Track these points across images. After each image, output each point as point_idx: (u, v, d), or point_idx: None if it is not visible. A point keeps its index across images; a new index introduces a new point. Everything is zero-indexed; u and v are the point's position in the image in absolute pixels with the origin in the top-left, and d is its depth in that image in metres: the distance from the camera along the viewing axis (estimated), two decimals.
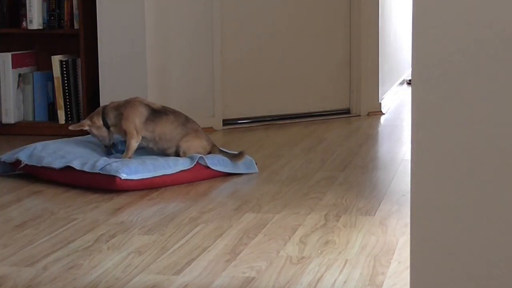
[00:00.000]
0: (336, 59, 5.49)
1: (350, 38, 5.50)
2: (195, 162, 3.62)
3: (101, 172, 3.46)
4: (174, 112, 3.81)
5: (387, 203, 3.25)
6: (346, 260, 2.55)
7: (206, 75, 5.03)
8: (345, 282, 2.37)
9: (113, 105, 3.79)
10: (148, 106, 3.78)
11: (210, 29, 5.00)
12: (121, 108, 3.76)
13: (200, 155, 3.65)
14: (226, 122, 5.12)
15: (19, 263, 2.55)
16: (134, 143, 3.72)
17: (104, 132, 3.78)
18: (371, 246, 2.69)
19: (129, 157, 3.68)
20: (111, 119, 3.76)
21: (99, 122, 3.77)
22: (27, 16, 4.81)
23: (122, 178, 3.41)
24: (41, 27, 4.83)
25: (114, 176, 3.42)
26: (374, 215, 3.08)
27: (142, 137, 3.73)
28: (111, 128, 3.77)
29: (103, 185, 3.46)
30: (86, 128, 3.78)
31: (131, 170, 3.45)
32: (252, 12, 5.20)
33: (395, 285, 2.34)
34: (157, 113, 3.76)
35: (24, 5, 4.82)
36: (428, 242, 1.69)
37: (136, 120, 3.73)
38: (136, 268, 2.50)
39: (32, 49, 5.05)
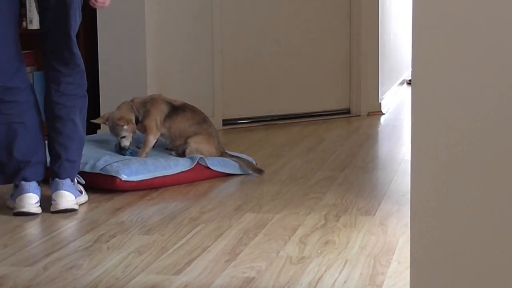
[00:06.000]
0: (336, 59, 5.49)
1: (350, 38, 5.50)
2: (195, 163, 3.62)
3: (101, 172, 3.46)
4: (193, 111, 3.82)
5: (387, 203, 3.25)
6: (346, 260, 2.55)
7: (206, 75, 5.03)
8: (345, 282, 2.37)
9: (138, 101, 3.78)
10: (169, 103, 3.80)
11: (210, 29, 5.00)
12: (147, 104, 3.77)
13: (200, 156, 3.65)
14: (226, 122, 5.12)
15: (19, 263, 2.55)
16: (152, 139, 3.73)
17: (135, 128, 3.73)
18: (371, 246, 2.69)
19: (146, 153, 3.68)
20: (140, 116, 3.75)
21: (133, 119, 3.73)
22: (27, 16, 4.80)
23: (123, 179, 3.41)
24: None
25: (115, 177, 3.42)
26: (374, 215, 3.07)
27: (161, 134, 3.76)
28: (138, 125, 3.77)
29: (103, 185, 3.46)
30: (125, 125, 3.68)
31: (131, 171, 3.45)
32: (252, 12, 5.20)
33: (395, 285, 2.34)
34: (175, 110, 3.78)
35: (24, 5, 4.81)
36: (428, 242, 1.69)
37: (157, 117, 3.75)
38: (136, 268, 2.50)
39: (32, 49, 5.04)
